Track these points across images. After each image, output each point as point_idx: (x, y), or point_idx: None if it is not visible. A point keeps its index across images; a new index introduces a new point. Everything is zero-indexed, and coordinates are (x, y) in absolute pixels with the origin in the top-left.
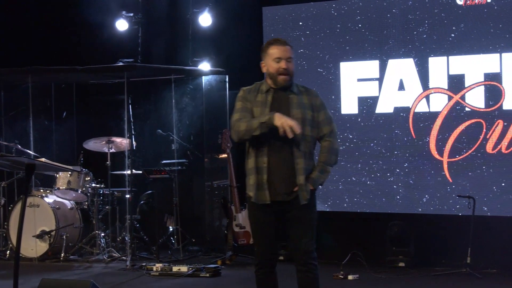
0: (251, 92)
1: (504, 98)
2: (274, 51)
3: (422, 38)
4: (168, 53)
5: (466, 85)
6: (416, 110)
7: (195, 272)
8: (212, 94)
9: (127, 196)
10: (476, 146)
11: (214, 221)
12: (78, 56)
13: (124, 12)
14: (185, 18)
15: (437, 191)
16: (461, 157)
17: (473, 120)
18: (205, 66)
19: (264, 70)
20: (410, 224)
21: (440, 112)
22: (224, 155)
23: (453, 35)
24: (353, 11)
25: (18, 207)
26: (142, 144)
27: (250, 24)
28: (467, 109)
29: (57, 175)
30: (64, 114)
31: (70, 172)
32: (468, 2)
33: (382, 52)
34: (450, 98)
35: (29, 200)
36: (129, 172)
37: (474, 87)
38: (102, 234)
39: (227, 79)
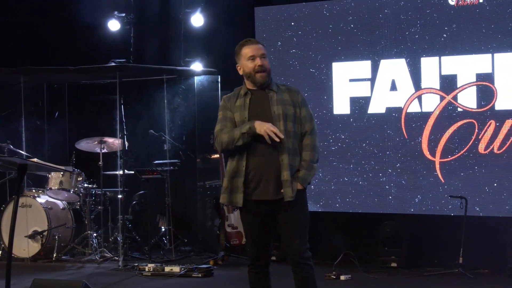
0: (230, 99)
1: (496, 98)
2: (247, 51)
3: (414, 38)
4: (160, 53)
5: (458, 86)
6: (408, 111)
7: (187, 272)
8: (204, 94)
9: (119, 196)
10: (468, 146)
11: (206, 221)
12: (70, 56)
13: (116, 12)
14: (177, 19)
15: (429, 191)
16: (453, 157)
17: (465, 121)
18: (197, 66)
19: (240, 72)
20: (402, 224)
21: (432, 112)
22: (216, 155)
23: (445, 35)
24: (345, 11)
25: (10, 207)
26: (134, 145)
27: (242, 25)
28: (459, 109)
29: (49, 175)
30: (56, 114)
31: (62, 173)
32: (460, 2)
33: (374, 52)
34: (442, 98)
35: (21, 200)
36: (121, 172)
37: (466, 88)
38: (94, 235)
39: (219, 79)
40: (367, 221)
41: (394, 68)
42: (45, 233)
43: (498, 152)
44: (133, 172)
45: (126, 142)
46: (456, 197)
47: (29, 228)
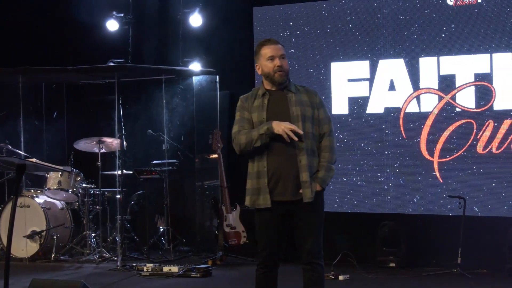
0: (248, 99)
1: (494, 98)
2: (266, 51)
3: (412, 38)
4: (158, 54)
5: (456, 86)
6: (406, 111)
7: (185, 273)
8: (202, 94)
9: (118, 196)
10: (466, 146)
11: (204, 221)
12: (68, 56)
13: (114, 13)
14: (175, 19)
15: (428, 191)
16: (452, 157)
17: (463, 121)
18: (195, 66)
19: (259, 72)
20: (400, 224)
21: (430, 112)
22: (215, 156)
23: (443, 35)
24: (343, 12)
25: (8, 207)
26: (132, 145)
27: (241, 25)
28: (457, 109)
29: (48, 176)
30: (55, 114)
31: (60, 173)
32: (459, 2)
33: (373, 52)
34: (440, 98)
35: (20, 200)
36: (119, 172)
37: (464, 88)
38: (93, 235)
39: (217, 79)
40: (365, 221)
41: (393, 68)
42: (43, 233)
43: (497, 152)
44: (131, 172)
45: (124, 142)
46: (454, 197)
47: (27, 228)
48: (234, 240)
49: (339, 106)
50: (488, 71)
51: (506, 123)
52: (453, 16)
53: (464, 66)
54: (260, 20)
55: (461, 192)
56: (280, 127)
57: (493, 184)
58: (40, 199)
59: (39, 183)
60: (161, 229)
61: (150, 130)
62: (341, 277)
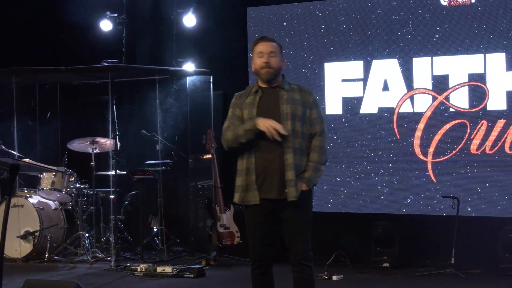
0: (242, 96)
1: (488, 98)
2: (258, 48)
3: (406, 38)
4: (152, 54)
5: (450, 86)
6: (400, 111)
7: (179, 273)
8: (196, 94)
9: (112, 196)
10: (460, 146)
11: (198, 221)
12: (62, 57)
13: (108, 13)
14: (169, 19)
15: (422, 191)
16: (445, 157)
17: (457, 121)
18: (189, 66)
19: (252, 68)
20: (394, 224)
21: (424, 112)
22: (209, 156)
23: (437, 35)
24: (337, 12)
25: (2, 207)
26: (126, 145)
27: (235, 25)
28: (451, 109)
29: (41, 176)
30: (48, 114)
31: (54, 173)
32: (452, 2)
33: (367, 52)
34: (434, 98)
35: (13, 200)
36: (113, 172)
37: (458, 88)
38: (87, 235)
39: (211, 80)
40: (359, 221)
41: (386, 68)
42: (37, 234)
43: (490, 152)
44: (125, 172)
45: (118, 143)
46: (448, 197)
47: (21, 228)
48: (227, 240)
49: (333, 106)
50: (482, 71)
51: (500, 123)
52: (446, 16)
53: (457, 66)
54: (254, 21)
55: (454, 192)
56: (265, 124)
57: (487, 184)
58: (34, 199)
59: (33, 184)
60: (155, 229)
61: (143, 130)
62: (334, 277)
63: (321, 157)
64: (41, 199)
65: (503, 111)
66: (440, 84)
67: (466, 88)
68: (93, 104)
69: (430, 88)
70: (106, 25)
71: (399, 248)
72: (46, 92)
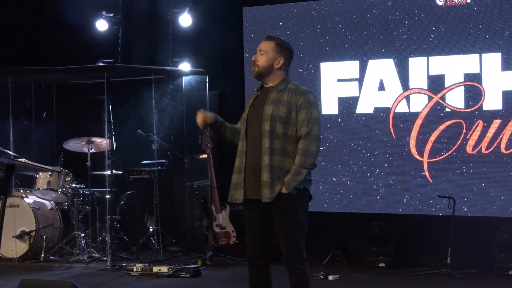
0: (251, 96)
1: (484, 98)
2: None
3: (402, 38)
4: (148, 54)
5: (446, 86)
6: (396, 111)
7: (175, 273)
8: (192, 94)
9: (107, 196)
10: (456, 146)
11: (194, 221)
12: (58, 56)
13: (104, 12)
14: (165, 19)
15: (417, 191)
16: (441, 157)
17: (453, 121)
18: (185, 66)
19: None
20: (390, 224)
21: (420, 112)
22: (205, 156)
23: (433, 35)
24: (333, 12)
25: None
26: (122, 145)
27: (230, 25)
28: (447, 109)
29: (37, 176)
30: (44, 114)
31: (50, 173)
32: (448, 2)
33: (362, 52)
34: (430, 98)
35: (9, 200)
36: (109, 172)
37: (454, 88)
38: (82, 235)
39: (207, 80)
40: (355, 221)
41: (382, 68)
42: (33, 233)
43: (486, 152)
44: (121, 172)
45: (114, 142)
46: (444, 197)
47: (16, 228)
48: (223, 240)
49: (329, 106)
50: (478, 71)
51: (496, 123)
52: (442, 16)
53: (453, 66)
54: (250, 20)
55: (450, 192)
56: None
57: (483, 184)
58: (30, 199)
59: (29, 183)
60: (151, 229)
61: (139, 130)
62: (330, 277)
63: (304, 160)
64: (37, 199)
65: (499, 111)
66: (436, 84)
67: (462, 88)
68: (89, 104)
69: (426, 88)
70: (102, 25)
71: (395, 248)
72: (42, 92)
